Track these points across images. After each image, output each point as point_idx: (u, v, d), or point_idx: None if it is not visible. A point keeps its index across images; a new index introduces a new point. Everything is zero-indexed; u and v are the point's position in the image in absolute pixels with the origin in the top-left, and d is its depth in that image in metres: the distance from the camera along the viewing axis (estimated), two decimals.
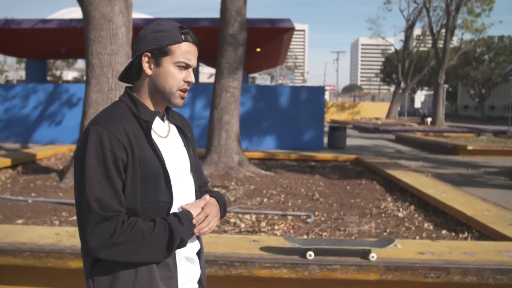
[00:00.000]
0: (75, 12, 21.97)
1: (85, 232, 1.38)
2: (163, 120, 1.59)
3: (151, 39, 1.48)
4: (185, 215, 1.46)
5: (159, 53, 1.48)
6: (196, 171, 1.66)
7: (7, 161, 9.16)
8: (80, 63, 61.38)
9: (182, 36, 1.48)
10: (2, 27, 17.28)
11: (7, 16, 44.23)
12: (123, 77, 1.60)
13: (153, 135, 1.51)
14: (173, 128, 1.62)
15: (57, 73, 45.55)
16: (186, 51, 1.49)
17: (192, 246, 1.60)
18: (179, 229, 1.43)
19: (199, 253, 1.65)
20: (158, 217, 1.44)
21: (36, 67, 22.92)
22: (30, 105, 15.52)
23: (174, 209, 1.51)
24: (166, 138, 1.57)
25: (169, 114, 1.63)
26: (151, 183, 1.46)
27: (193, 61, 1.51)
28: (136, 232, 1.37)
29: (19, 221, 5.42)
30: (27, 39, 18.69)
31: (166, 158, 1.50)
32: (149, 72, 1.49)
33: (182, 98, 1.53)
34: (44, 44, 19.86)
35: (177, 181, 1.53)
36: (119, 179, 1.41)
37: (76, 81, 46.32)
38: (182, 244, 1.46)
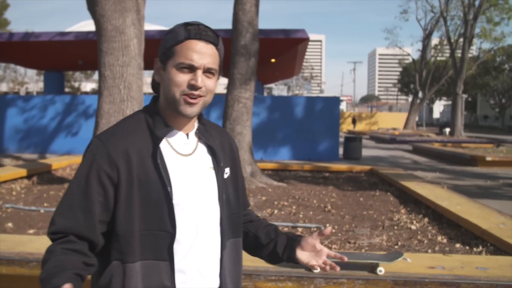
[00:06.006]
0: (92, 25, 22.32)
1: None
2: (187, 135, 1.38)
3: (161, 43, 1.34)
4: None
5: (165, 57, 1.31)
6: (226, 198, 1.42)
7: (23, 171, 9.26)
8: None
9: (185, 33, 1.27)
10: (21, 40, 17.61)
11: (28, 29, 45.16)
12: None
13: (171, 153, 1.33)
14: (202, 147, 1.40)
15: (76, 84, 46.16)
16: (188, 49, 1.26)
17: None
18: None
19: None
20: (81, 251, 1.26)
21: (54, 79, 23.28)
22: (48, 116, 15.74)
23: (179, 241, 1.30)
24: (189, 156, 1.36)
25: (201, 129, 1.42)
26: (152, 209, 1.28)
27: (198, 61, 1.26)
28: (45, 255, 1.24)
29: (31, 231, 5.46)
30: (46, 51, 19.02)
31: (182, 180, 1.32)
32: (158, 79, 1.35)
33: (190, 104, 1.29)
34: (62, 56, 20.18)
35: (192, 208, 1.33)
36: (100, 198, 1.28)
37: (94, 92, 46.90)
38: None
